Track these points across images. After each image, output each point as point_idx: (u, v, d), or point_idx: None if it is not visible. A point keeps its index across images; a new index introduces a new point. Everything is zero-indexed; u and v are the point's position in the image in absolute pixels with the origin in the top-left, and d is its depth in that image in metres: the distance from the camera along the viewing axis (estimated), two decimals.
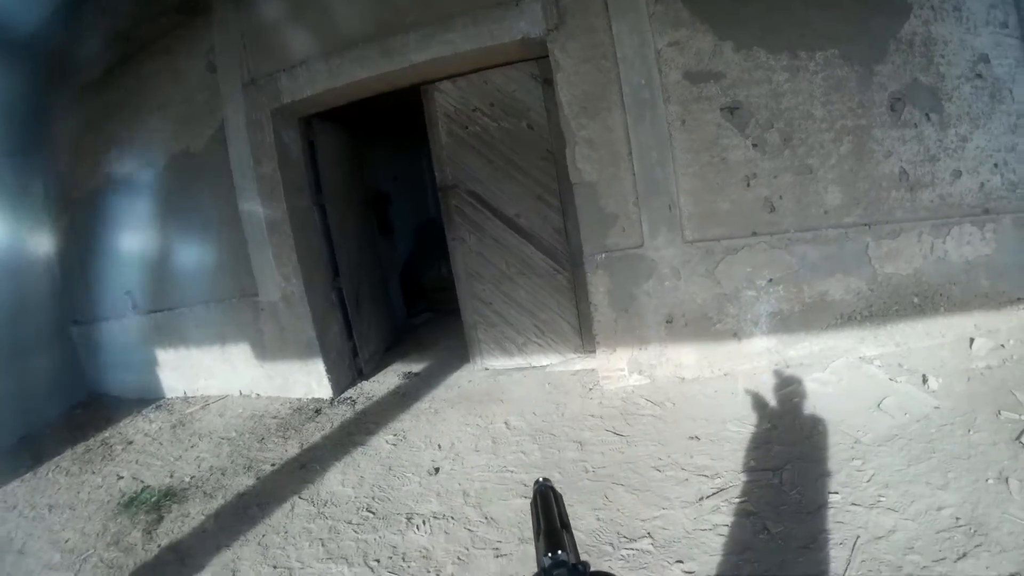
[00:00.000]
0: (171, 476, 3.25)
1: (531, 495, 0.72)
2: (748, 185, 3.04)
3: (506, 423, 3.11)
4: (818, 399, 2.86)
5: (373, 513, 2.54)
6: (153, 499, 3.01)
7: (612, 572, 0.60)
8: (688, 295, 3.10)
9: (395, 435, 3.22)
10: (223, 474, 3.15)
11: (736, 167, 3.03)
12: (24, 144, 4.50)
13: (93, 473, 3.51)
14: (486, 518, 2.37)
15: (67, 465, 3.67)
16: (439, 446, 3.01)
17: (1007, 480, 2.09)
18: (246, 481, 3.03)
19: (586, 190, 3.13)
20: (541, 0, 3.05)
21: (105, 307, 4.56)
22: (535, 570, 0.57)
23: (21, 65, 4.17)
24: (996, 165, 3.26)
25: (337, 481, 2.85)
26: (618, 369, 3.16)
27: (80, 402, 4.69)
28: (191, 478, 3.18)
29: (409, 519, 2.44)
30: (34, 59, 4.22)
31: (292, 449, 3.28)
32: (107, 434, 4.04)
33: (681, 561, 1.93)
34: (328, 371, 3.82)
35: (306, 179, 3.84)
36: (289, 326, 3.81)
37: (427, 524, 2.39)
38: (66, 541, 2.81)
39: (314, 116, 3.83)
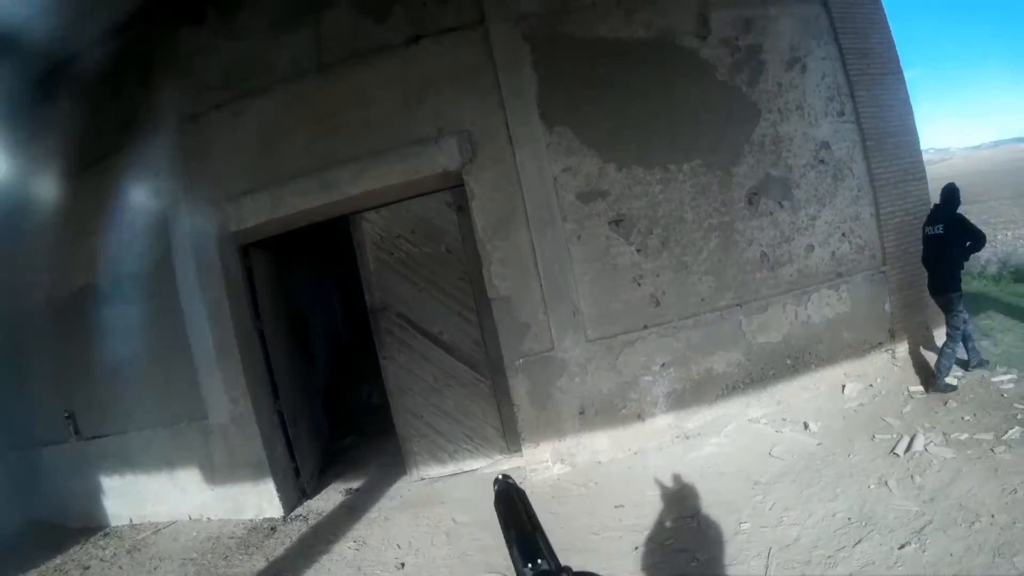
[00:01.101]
0: None
1: (493, 495, 0.70)
2: (637, 285, 3.86)
3: (453, 519, 3.79)
4: (717, 458, 3.79)
5: None
6: None
7: (594, 572, 0.61)
8: (595, 387, 3.92)
9: (355, 542, 3.80)
10: None
11: (625, 270, 3.84)
12: None
13: None
14: None
15: None
16: (398, 545, 3.63)
17: (886, 482, 3.05)
18: None
19: (503, 304, 3.86)
20: (457, 136, 3.76)
21: (44, 432, 4.78)
22: None
23: None
24: (844, 234, 4.24)
25: None
26: (542, 461, 3.97)
27: (19, 531, 4.86)
28: None
29: None
30: None
31: (259, 563, 3.75)
32: (58, 561, 4.30)
33: None
34: (278, 490, 4.31)
35: (247, 305, 4.29)
36: (239, 448, 4.28)
37: None
38: None
39: (250, 244, 4.29)
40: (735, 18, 3.91)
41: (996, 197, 17.92)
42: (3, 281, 4.70)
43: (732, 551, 2.75)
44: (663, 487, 3.49)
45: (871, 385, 4.23)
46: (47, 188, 4.47)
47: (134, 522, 4.69)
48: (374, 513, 4.12)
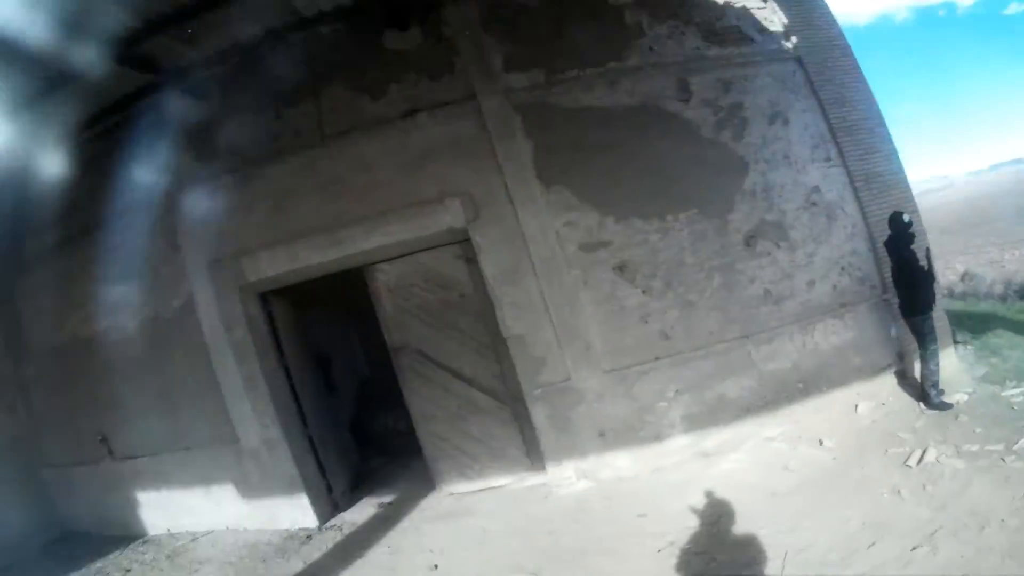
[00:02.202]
0: None
1: None
2: (645, 322, 4.54)
3: (483, 528, 4.33)
4: (736, 473, 4.28)
5: None
6: None
7: None
8: (613, 412, 4.55)
9: (389, 547, 4.36)
10: None
11: (632, 310, 4.53)
12: None
13: None
14: None
15: None
16: (430, 551, 4.14)
17: (899, 491, 3.39)
18: None
19: (517, 341, 4.60)
20: (460, 198, 4.62)
21: (80, 453, 5.67)
22: None
23: None
24: (843, 268, 4.81)
25: None
26: (566, 478, 4.57)
27: (56, 539, 5.68)
28: None
29: None
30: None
31: (296, 566, 4.30)
32: (100, 564, 4.96)
33: None
34: (312, 503, 5.00)
35: (270, 344, 5.13)
36: (272, 467, 5.01)
37: None
38: None
39: (270, 292, 5.13)
40: (714, 81, 4.74)
41: (1001, 218, 17.73)
42: (42, 317, 5.67)
43: (750, 554, 3.14)
44: (684, 499, 3.95)
45: (883, 403, 4.66)
46: (76, 236, 5.38)
47: (171, 532, 5.41)
48: (406, 523, 4.74)
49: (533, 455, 4.84)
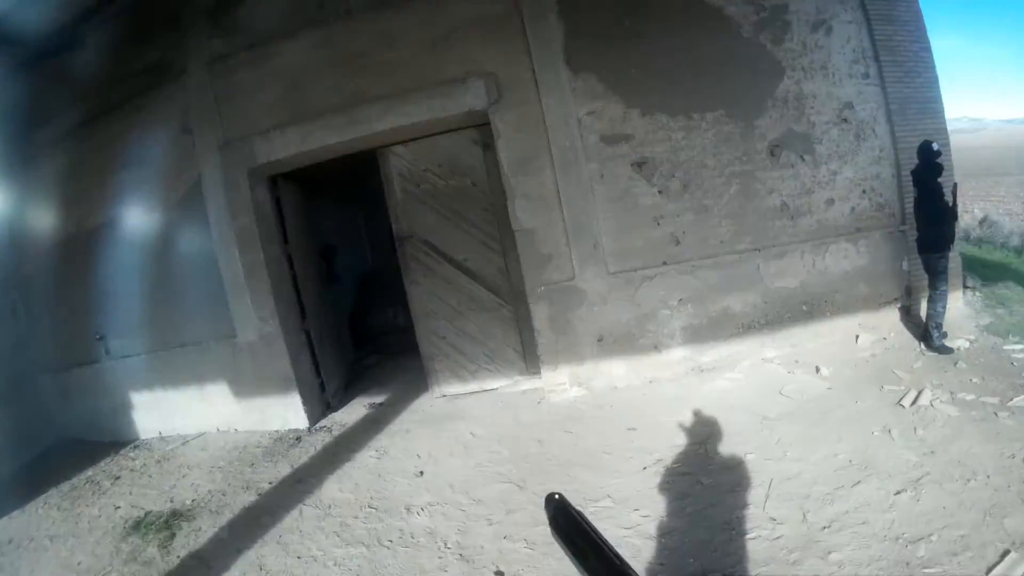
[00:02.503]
0: (171, 501, 4.14)
1: (548, 517, 0.60)
2: (657, 224, 4.41)
3: (472, 433, 4.35)
4: (730, 392, 4.29)
5: (375, 509, 3.61)
6: (161, 520, 3.87)
7: None
8: (614, 317, 4.46)
9: (376, 451, 4.37)
10: (223, 495, 4.09)
11: (646, 210, 4.40)
12: None
13: (88, 506, 4.32)
14: (474, 500, 3.49)
15: (56, 501, 4.51)
16: (418, 455, 4.16)
17: (890, 431, 3.35)
18: (248, 498, 3.99)
19: (525, 235, 4.45)
20: (484, 79, 4.37)
21: (77, 354, 5.56)
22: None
23: None
24: (864, 191, 4.68)
25: (335, 489, 3.91)
26: (560, 383, 4.55)
27: (51, 447, 5.62)
28: (192, 501, 4.10)
29: (408, 509, 3.51)
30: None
31: (284, 470, 4.31)
32: (90, 473, 4.93)
33: (637, 509, 3.08)
34: (304, 403, 4.98)
35: (276, 231, 5.01)
36: (267, 364, 4.95)
37: (425, 511, 3.46)
38: (79, 563, 3.55)
39: (279, 175, 4.98)
40: None
41: None
42: (48, 210, 5.44)
43: (735, 478, 3.13)
44: (675, 414, 3.93)
45: (884, 338, 4.64)
46: (78, 127, 5.16)
47: (163, 435, 5.38)
48: (396, 426, 4.73)
49: (529, 358, 4.82)
